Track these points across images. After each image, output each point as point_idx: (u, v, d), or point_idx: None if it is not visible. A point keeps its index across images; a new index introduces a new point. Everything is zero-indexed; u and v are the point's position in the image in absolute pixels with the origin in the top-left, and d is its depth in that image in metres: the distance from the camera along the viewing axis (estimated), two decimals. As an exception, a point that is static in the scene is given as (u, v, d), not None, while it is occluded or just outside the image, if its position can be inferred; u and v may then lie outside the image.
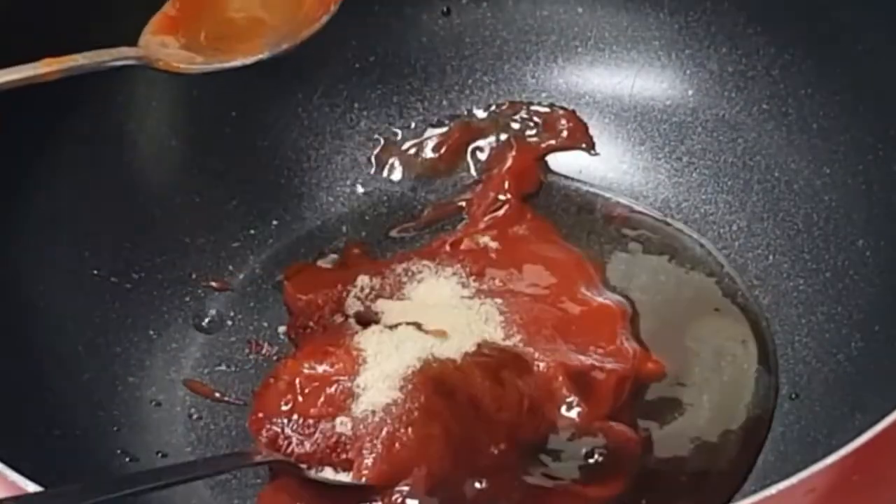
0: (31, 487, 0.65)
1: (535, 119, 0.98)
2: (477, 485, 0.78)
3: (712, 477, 0.81)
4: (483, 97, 0.99)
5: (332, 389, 0.80)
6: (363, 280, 0.90)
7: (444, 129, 0.98)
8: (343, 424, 0.79)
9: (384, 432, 0.78)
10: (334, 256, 0.94)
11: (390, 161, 0.98)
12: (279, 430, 0.80)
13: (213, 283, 0.92)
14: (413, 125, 0.99)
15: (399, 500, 0.77)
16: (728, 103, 0.94)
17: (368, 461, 0.78)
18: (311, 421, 0.80)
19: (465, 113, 0.99)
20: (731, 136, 0.94)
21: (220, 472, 0.81)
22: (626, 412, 0.83)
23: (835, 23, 0.88)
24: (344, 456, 0.79)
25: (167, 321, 0.90)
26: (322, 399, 0.80)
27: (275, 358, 0.89)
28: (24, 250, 0.85)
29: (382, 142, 0.98)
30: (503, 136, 0.98)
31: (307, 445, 0.79)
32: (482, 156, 0.98)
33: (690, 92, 0.96)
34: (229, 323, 0.91)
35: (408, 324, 0.85)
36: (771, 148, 0.93)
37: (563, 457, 0.81)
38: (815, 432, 0.80)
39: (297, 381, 0.81)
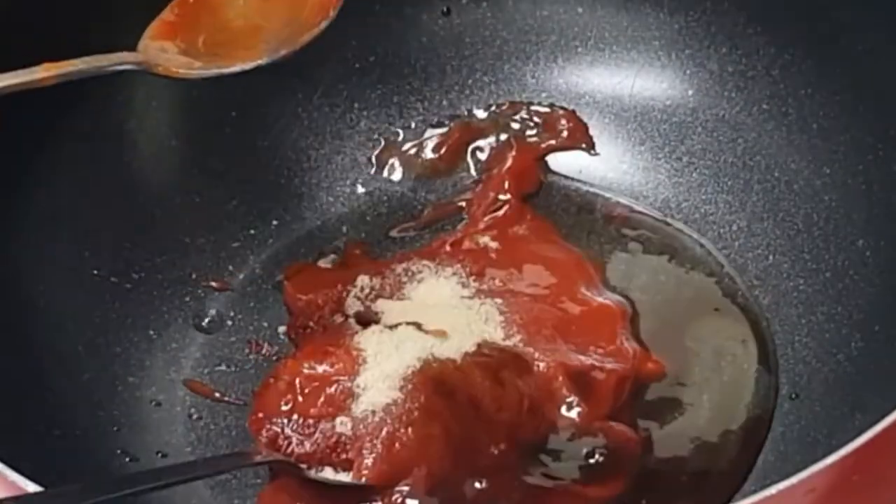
0: (31, 487, 0.65)
1: (535, 119, 0.98)
2: (477, 485, 0.78)
3: (712, 477, 0.81)
4: (483, 97, 0.99)
5: (332, 389, 0.80)
6: (363, 280, 0.90)
7: (444, 130, 0.98)
8: (343, 424, 0.79)
9: (384, 432, 0.78)
10: (334, 256, 0.94)
11: (390, 161, 0.98)
12: (279, 430, 0.80)
13: (213, 283, 0.92)
14: (413, 125, 0.99)
15: (399, 500, 0.77)
16: (728, 103, 0.94)
17: (368, 461, 0.78)
18: (311, 421, 0.80)
19: (465, 113, 0.99)
20: (731, 136, 0.94)
21: (220, 472, 0.81)
22: (626, 412, 0.83)
23: (835, 23, 0.88)
24: (344, 456, 0.79)
25: (167, 321, 0.90)
26: (322, 399, 0.80)
27: (275, 358, 0.89)
28: (24, 248, 0.85)
29: (383, 142, 0.98)
30: (503, 136, 0.98)
31: (307, 445, 0.79)
32: (482, 156, 0.98)
33: (690, 92, 0.96)
34: (229, 323, 0.91)
35: (408, 324, 0.85)
36: (771, 148, 0.93)
37: (563, 457, 0.81)
38: (815, 432, 0.80)
39: (297, 381, 0.81)
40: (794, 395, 0.84)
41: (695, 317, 0.89)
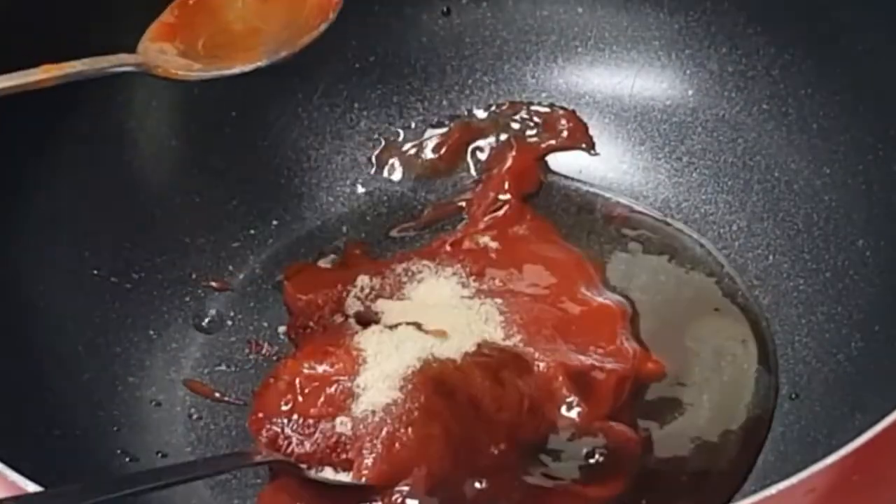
0: (31, 487, 0.65)
1: (535, 119, 0.98)
2: (477, 485, 0.78)
3: (712, 477, 0.81)
4: (483, 97, 0.99)
5: (332, 389, 0.80)
6: (363, 280, 0.90)
7: (444, 130, 0.98)
8: (343, 424, 0.79)
9: (384, 432, 0.78)
10: (334, 256, 0.94)
11: (390, 161, 0.98)
12: (279, 430, 0.80)
13: (213, 283, 0.92)
14: (413, 125, 0.99)
15: (399, 500, 0.77)
16: (728, 103, 0.94)
17: (368, 461, 0.78)
18: (311, 421, 0.80)
19: (465, 113, 0.99)
20: (731, 136, 0.94)
21: (220, 472, 0.81)
22: (626, 412, 0.83)
23: (835, 23, 0.88)
24: (344, 456, 0.79)
25: (167, 321, 0.90)
26: (322, 399, 0.80)
27: (275, 358, 0.89)
28: (24, 250, 0.85)
29: (383, 142, 0.98)
30: (503, 136, 0.98)
31: (307, 445, 0.79)
32: (482, 156, 0.98)
33: (690, 92, 0.96)
34: (229, 323, 0.91)
35: (408, 324, 0.85)
36: (771, 148, 0.93)
37: (563, 457, 0.81)
38: (815, 432, 0.80)
39: (297, 381, 0.81)
40: (794, 395, 0.84)
41: (695, 317, 0.89)
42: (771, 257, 0.90)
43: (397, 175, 0.98)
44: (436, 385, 0.80)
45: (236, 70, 0.84)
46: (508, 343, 0.84)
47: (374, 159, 0.98)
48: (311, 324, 0.89)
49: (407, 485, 0.77)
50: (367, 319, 0.87)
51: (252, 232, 0.94)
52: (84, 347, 0.86)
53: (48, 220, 0.87)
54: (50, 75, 0.78)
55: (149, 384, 0.87)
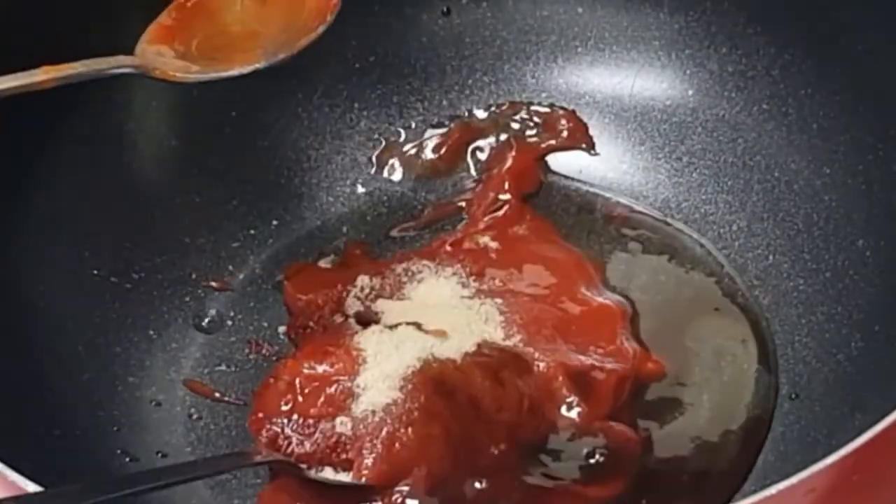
0: (31, 487, 0.65)
1: (535, 119, 0.98)
2: (477, 485, 0.78)
3: (712, 477, 0.81)
4: (483, 97, 0.99)
5: (332, 389, 0.80)
6: (363, 280, 0.90)
7: (444, 130, 0.98)
8: (343, 424, 0.79)
9: (384, 432, 0.78)
10: (334, 256, 0.94)
11: (390, 161, 0.98)
12: (279, 430, 0.80)
13: (213, 283, 0.92)
14: (413, 125, 0.99)
15: (399, 500, 0.77)
16: (728, 103, 0.94)
17: (368, 461, 0.78)
18: (311, 421, 0.80)
19: (465, 113, 0.99)
20: (731, 136, 0.94)
21: (220, 472, 0.81)
22: (626, 412, 0.83)
23: (835, 23, 0.88)
24: (344, 456, 0.79)
25: (167, 321, 0.90)
26: (322, 399, 0.80)
27: (275, 358, 0.89)
28: (24, 250, 0.85)
29: (383, 142, 0.98)
30: (503, 136, 0.98)
31: (307, 445, 0.79)
32: (482, 156, 0.98)
33: (690, 92, 0.96)
34: (229, 323, 0.91)
35: (408, 324, 0.85)
36: (771, 148, 0.93)
37: (563, 457, 0.81)
38: (815, 432, 0.80)
39: (297, 381, 0.81)
40: (794, 395, 0.84)
41: (695, 317, 0.89)
42: (771, 257, 0.90)
43: (397, 175, 0.98)
44: (436, 385, 0.80)
45: (234, 72, 0.84)
46: (508, 343, 0.84)
47: (374, 159, 0.98)
48: (311, 324, 0.89)
49: (407, 485, 0.77)
50: (367, 319, 0.87)
51: (252, 232, 0.94)
52: (84, 347, 0.86)
53: (48, 220, 0.87)
54: (48, 77, 0.78)
55: (149, 384, 0.87)
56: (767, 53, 0.93)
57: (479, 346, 0.84)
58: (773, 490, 0.63)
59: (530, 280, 0.89)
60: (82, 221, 0.88)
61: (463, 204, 0.96)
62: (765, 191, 0.92)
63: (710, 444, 0.82)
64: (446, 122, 0.99)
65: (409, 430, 0.78)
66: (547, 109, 0.98)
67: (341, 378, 0.81)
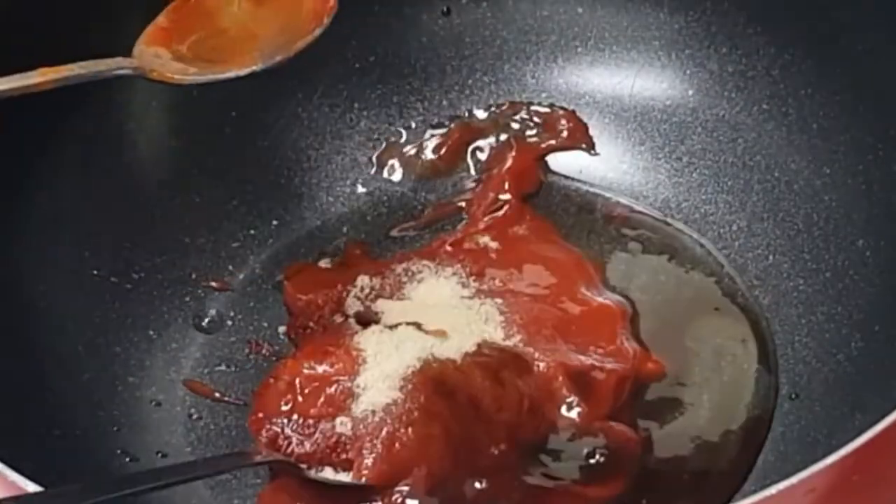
0: (31, 487, 0.65)
1: (535, 119, 0.98)
2: (477, 485, 0.78)
3: (712, 477, 0.81)
4: (483, 97, 0.99)
5: (332, 389, 0.80)
6: (363, 280, 0.90)
7: (444, 130, 0.98)
8: (343, 424, 0.79)
9: (384, 432, 0.78)
10: (334, 257, 0.94)
11: (390, 161, 0.98)
12: (279, 430, 0.80)
13: (213, 283, 0.92)
14: (413, 125, 0.99)
15: (399, 500, 0.77)
16: (728, 103, 0.94)
17: (368, 461, 0.78)
18: (311, 421, 0.80)
19: (465, 113, 0.99)
20: (731, 136, 0.94)
21: (220, 472, 0.81)
22: (626, 412, 0.83)
23: (835, 23, 0.88)
24: (344, 456, 0.79)
25: (167, 321, 0.90)
26: (322, 399, 0.80)
27: (275, 358, 0.89)
28: (25, 250, 0.85)
29: (384, 143, 0.98)
30: (503, 136, 0.98)
31: (307, 445, 0.79)
32: (482, 156, 0.98)
33: (690, 92, 0.96)
34: (229, 323, 0.91)
35: (408, 324, 0.85)
36: (771, 148, 0.93)
37: (563, 457, 0.81)
38: (815, 432, 0.80)
39: (297, 381, 0.81)
40: (794, 395, 0.84)
41: (695, 317, 0.89)
42: (771, 257, 0.90)
43: (397, 175, 0.98)
44: (436, 385, 0.80)
45: (231, 74, 0.84)
46: (508, 343, 0.84)
47: (374, 159, 0.98)
48: (311, 324, 0.89)
49: (407, 485, 0.77)
50: (367, 319, 0.87)
51: (252, 232, 0.94)
52: (84, 347, 0.86)
53: (50, 220, 0.87)
54: (47, 79, 0.78)
55: (149, 384, 0.87)
56: (767, 53, 0.93)
57: (479, 346, 0.84)
58: (773, 490, 0.63)
59: (530, 280, 0.89)
60: (83, 221, 0.88)
61: (463, 204, 0.96)
62: (765, 191, 0.92)
63: (710, 444, 0.82)
64: (446, 123, 0.99)
65: (409, 430, 0.78)
66: (547, 109, 0.98)
67: (341, 378, 0.81)
